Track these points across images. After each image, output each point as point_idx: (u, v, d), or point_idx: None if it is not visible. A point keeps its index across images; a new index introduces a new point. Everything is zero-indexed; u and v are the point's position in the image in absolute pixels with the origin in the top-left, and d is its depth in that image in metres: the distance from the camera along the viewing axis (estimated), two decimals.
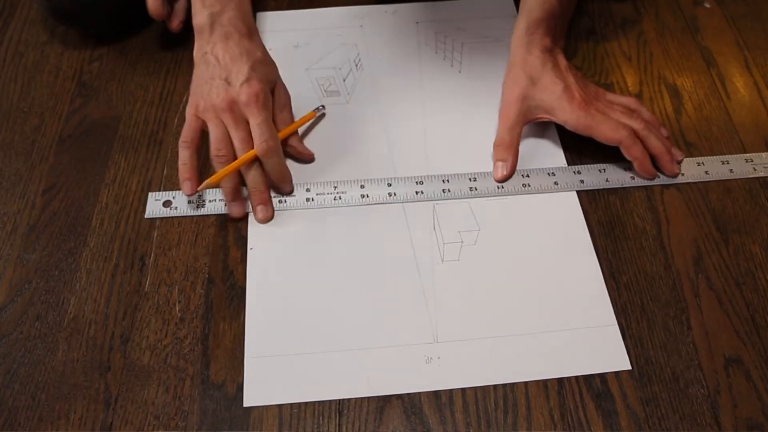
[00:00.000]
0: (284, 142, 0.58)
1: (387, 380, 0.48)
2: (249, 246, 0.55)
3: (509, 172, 0.58)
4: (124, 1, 0.69)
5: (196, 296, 0.53)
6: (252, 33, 0.59)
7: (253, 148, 0.54)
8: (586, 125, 0.57)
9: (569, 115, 0.57)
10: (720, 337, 0.50)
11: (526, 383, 0.48)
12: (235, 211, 0.56)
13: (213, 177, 0.54)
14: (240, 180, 0.56)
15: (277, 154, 0.55)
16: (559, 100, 0.57)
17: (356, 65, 0.68)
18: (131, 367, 0.49)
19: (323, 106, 0.63)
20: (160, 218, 0.57)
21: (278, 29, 0.71)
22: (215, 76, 0.55)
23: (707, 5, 0.74)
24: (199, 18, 0.57)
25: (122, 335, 0.51)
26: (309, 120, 0.61)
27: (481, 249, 0.55)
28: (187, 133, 0.56)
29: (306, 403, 0.47)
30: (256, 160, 0.55)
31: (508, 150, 0.59)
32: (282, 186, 0.57)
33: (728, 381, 0.48)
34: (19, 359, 0.50)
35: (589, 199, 0.58)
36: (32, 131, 0.64)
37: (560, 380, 0.48)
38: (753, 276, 0.53)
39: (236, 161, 0.54)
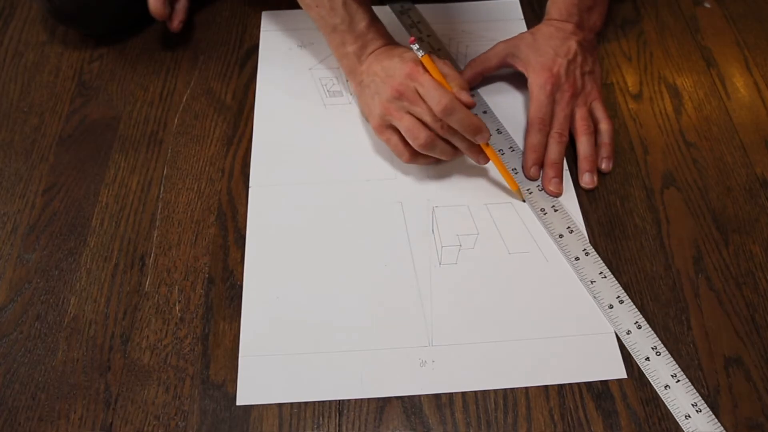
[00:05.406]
0: None
1: (381, 382, 0.48)
2: (247, 243, 0.55)
3: (466, 77, 0.63)
4: (124, 2, 0.69)
5: (196, 296, 0.53)
6: (393, 45, 0.59)
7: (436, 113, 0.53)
8: (533, 92, 0.60)
9: (533, 75, 0.61)
10: (720, 337, 0.50)
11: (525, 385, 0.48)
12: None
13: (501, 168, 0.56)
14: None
15: (458, 108, 0.53)
16: (537, 63, 0.61)
17: None
18: (131, 367, 0.49)
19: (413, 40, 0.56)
20: (160, 218, 0.57)
21: (283, 29, 0.71)
22: (377, 85, 0.56)
23: (707, 5, 0.74)
24: (347, 61, 0.59)
25: (122, 335, 0.51)
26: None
27: (479, 253, 0.54)
28: (397, 148, 0.57)
29: (306, 403, 0.47)
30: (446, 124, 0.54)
31: (473, 65, 0.64)
32: (478, 137, 0.54)
33: (728, 381, 0.48)
34: (19, 359, 0.50)
35: (589, 199, 0.58)
36: (32, 131, 0.64)
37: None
38: (753, 276, 0.53)
39: (500, 162, 0.56)
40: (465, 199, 0.58)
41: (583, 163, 0.59)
